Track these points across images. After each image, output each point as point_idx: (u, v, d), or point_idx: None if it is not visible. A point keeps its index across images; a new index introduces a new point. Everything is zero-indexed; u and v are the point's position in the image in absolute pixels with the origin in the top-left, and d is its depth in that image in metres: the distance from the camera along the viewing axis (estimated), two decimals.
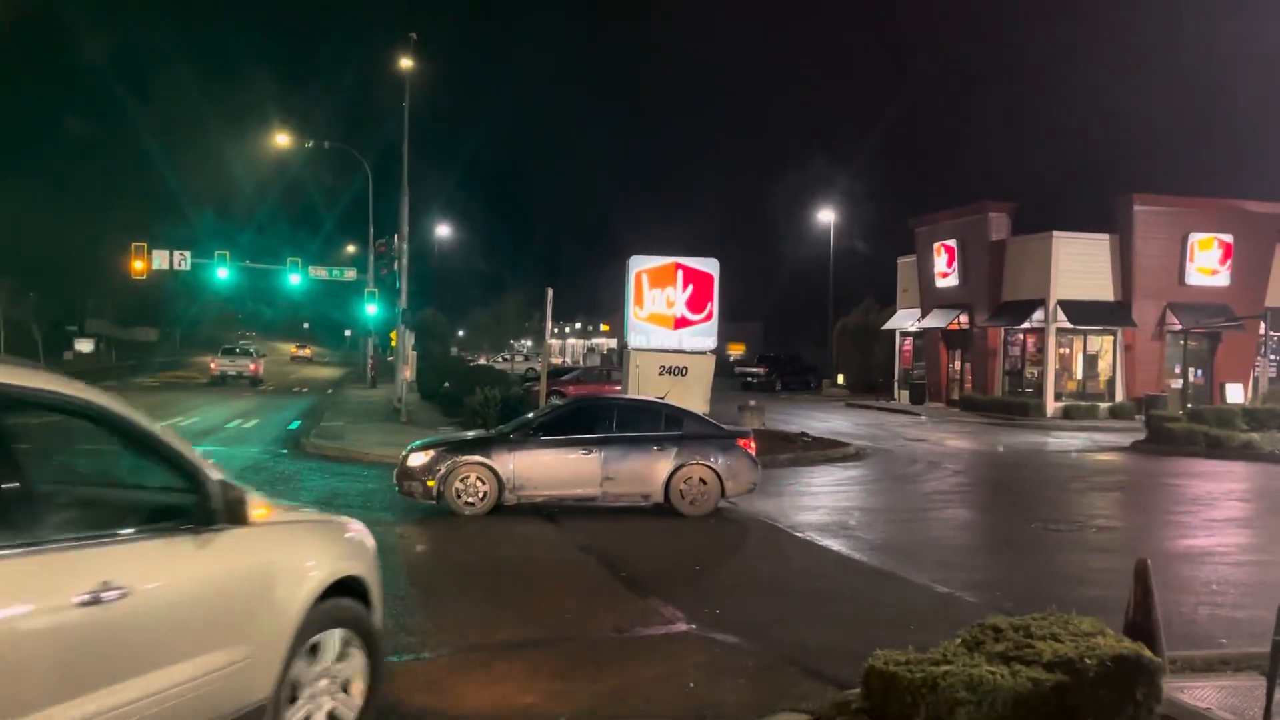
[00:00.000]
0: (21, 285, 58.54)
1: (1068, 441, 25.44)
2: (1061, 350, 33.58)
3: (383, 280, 39.92)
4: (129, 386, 39.90)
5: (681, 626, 7.69)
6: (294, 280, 48.64)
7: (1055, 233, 32.86)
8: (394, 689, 5.76)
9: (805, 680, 6.30)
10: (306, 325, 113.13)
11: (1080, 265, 32.79)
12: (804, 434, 22.99)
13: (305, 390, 43.90)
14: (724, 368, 50.43)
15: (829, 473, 18.22)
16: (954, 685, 4.38)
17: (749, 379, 49.39)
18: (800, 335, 60.41)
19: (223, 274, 48.18)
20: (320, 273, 50.84)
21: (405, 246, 30.56)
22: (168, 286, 69.30)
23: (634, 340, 19.80)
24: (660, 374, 18.94)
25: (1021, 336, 34.72)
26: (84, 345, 72.27)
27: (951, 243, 37.07)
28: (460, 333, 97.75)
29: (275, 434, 23.00)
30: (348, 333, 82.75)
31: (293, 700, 4.33)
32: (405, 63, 30.08)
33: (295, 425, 24.82)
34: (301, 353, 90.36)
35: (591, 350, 77.56)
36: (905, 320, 40.78)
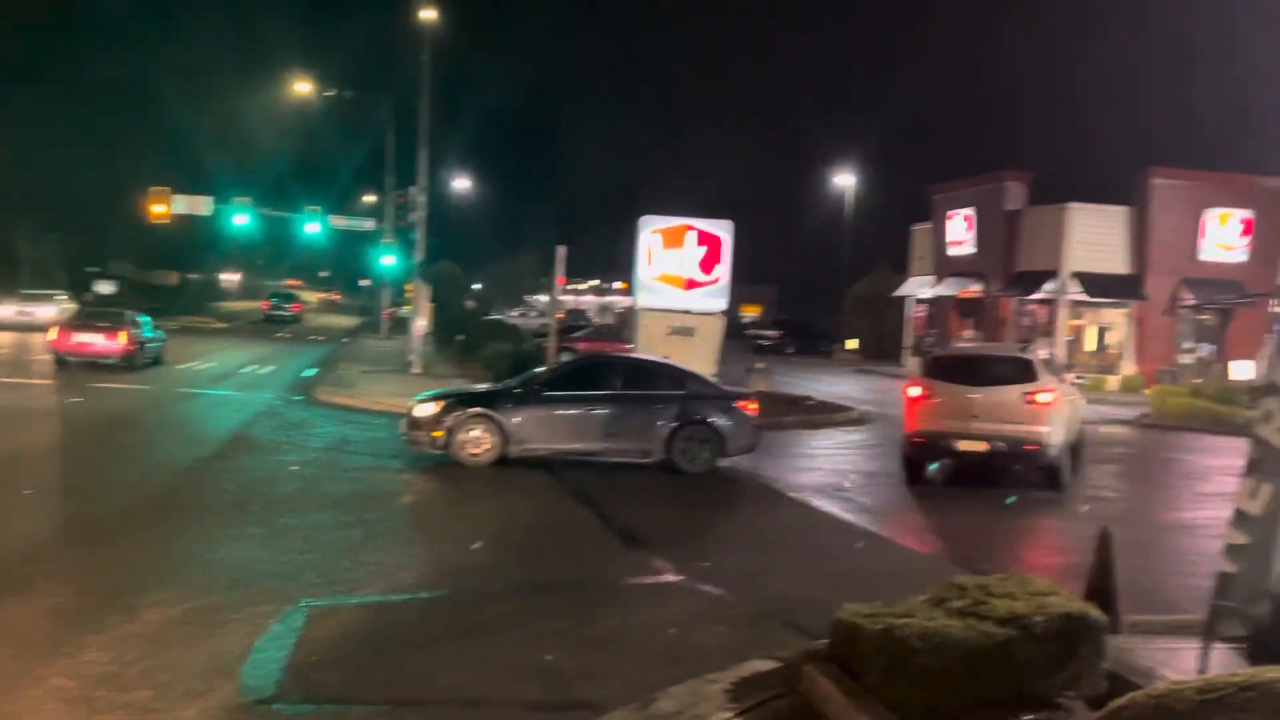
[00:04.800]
0: (43, 224, 59.03)
1: None
2: (1073, 322, 33.60)
3: (400, 231, 40.10)
4: None
5: (670, 577, 8.01)
6: (312, 229, 48.87)
7: (1071, 204, 32.70)
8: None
9: (782, 631, 6.62)
10: (325, 274, 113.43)
11: (1095, 237, 32.66)
12: (808, 398, 23.23)
13: (321, 338, 44.37)
14: (737, 330, 50.55)
15: (830, 436, 18.50)
16: (909, 636, 4.67)
17: (761, 342, 49.55)
18: (815, 300, 60.47)
19: (241, 220, 48.29)
20: (339, 222, 50.95)
21: (423, 199, 30.65)
22: (189, 232, 69.64)
23: (643, 299, 20.00)
24: (669, 334, 19.15)
25: (1033, 307, 34.73)
26: (105, 287, 72.86)
27: (968, 211, 36.96)
28: (476, 286, 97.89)
29: (289, 381, 23.41)
30: (365, 282, 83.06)
31: None
32: (426, 13, 30.06)
33: (309, 373, 25.23)
34: (329, 297, 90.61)
35: (605, 308, 77.70)
36: (918, 287, 40.79)
